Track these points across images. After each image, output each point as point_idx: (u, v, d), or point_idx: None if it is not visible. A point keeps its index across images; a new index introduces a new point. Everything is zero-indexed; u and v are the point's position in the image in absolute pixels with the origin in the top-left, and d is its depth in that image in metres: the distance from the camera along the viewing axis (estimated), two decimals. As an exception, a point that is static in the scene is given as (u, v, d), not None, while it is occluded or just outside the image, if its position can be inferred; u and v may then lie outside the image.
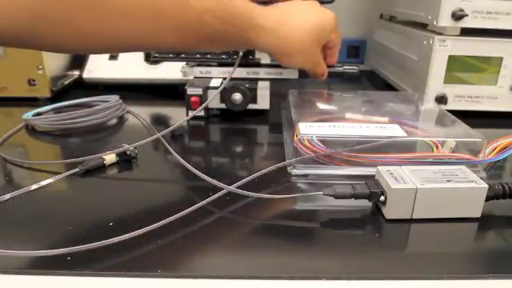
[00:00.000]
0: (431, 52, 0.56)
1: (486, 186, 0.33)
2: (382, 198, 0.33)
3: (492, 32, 0.56)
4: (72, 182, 0.38)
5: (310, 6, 0.49)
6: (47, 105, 0.56)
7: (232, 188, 0.34)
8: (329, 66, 0.58)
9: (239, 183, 0.35)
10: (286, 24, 0.46)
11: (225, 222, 0.32)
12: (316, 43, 0.49)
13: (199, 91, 0.54)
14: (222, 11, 0.40)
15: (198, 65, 0.58)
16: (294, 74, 0.58)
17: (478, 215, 0.33)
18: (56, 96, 0.64)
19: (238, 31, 0.42)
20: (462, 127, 0.45)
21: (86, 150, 0.41)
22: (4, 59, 0.60)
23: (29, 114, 0.52)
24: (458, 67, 0.57)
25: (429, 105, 0.56)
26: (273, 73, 0.57)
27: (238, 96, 0.54)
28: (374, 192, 0.33)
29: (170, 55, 0.57)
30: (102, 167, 0.40)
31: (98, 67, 0.70)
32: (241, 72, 0.56)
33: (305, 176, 0.40)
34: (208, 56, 0.57)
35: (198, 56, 0.57)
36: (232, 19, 0.41)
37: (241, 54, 0.55)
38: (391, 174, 0.34)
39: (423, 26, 0.61)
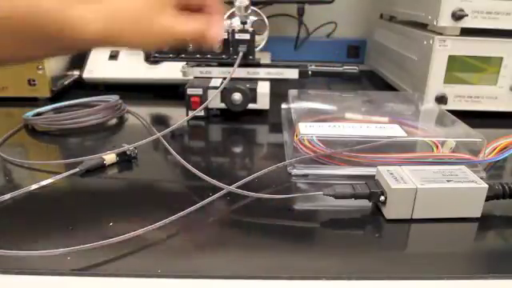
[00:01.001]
0: (431, 52, 0.56)
1: (486, 186, 0.33)
2: (382, 198, 0.33)
3: (492, 32, 0.56)
4: (72, 182, 0.38)
5: None
6: (47, 105, 0.56)
7: (232, 188, 0.34)
8: (329, 67, 0.58)
9: (239, 183, 0.35)
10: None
11: (225, 222, 0.32)
12: (150, 8, 0.34)
13: (199, 91, 0.54)
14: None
15: (198, 65, 0.58)
16: (294, 74, 0.58)
17: (478, 215, 0.33)
18: (56, 96, 0.64)
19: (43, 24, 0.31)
20: (462, 127, 0.45)
21: (86, 150, 0.41)
22: (4, 59, 0.60)
23: (29, 114, 0.52)
24: (458, 67, 0.57)
25: (429, 105, 0.56)
26: (273, 73, 0.57)
27: (237, 96, 0.54)
28: (374, 192, 0.33)
29: (170, 55, 0.57)
30: (101, 167, 0.40)
31: (98, 67, 0.70)
32: (241, 72, 0.56)
33: (305, 176, 0.40)
34: (208, 56, 0.57)
35: (198, 56, 0.57)
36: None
37: (241, 54, 0.55)
38: (391, 174, 0.34)
39: (423, 26, 0.61)
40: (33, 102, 0.61)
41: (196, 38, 0.37)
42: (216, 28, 0.37)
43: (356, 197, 0.34)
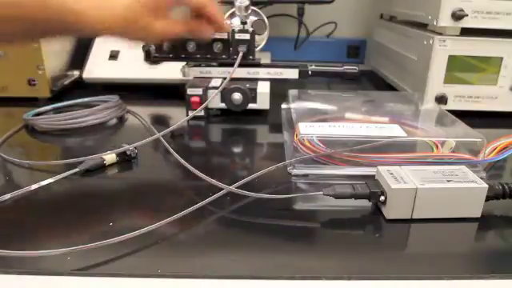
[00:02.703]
0: (431, 52, 0.56)
1: (486, 186, 0.33)
2: (382, 197, 0.33)
3: (492, 32, 0.56)
4: (72, 182, 0.38)
5: None
6: (47, 105, 0.56)
7: (232, 188, 0.34)
8: (329, 67, 0.58)
9: (239, 183, 0.35)
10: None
11: (225, 222, 0.32)
12: (139, 11, 0.42)
13: (199, 91, 0.54)
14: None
15: (198, 65, 0.58)
16: (294, 74, 0.58)
17: (478, 215, 0.33)
18: (56, 96, 0.64)
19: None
20: (461, 127, 0.45)
21: (86, 150, 0.41)
22: (4, 59, 0.60)
23: (29, 114, 0.52)
24: (458, 67, 0.57)
25: (429, 105, 0.56)
26: (273, 73, 0.57)
27: (237, 96, 0.54)
28: (374, 192, 0.33)
29: (170, 55, 0.57)
30: (102, 167, 0.40)
31: (98, 67, 0.70)
32: (241, 72, 0.56)
33: (305, 176, 0.40)
34: (208, 56, 0.57)
35: (198, 56, 0.57)
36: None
37: (241, 54, 0.55)
38: (391, 174, 0.34)
39: (423, 26, 0.61)
40: (33, 102, 0.61)
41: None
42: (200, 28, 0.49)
43: (356, 197, 0.34)
